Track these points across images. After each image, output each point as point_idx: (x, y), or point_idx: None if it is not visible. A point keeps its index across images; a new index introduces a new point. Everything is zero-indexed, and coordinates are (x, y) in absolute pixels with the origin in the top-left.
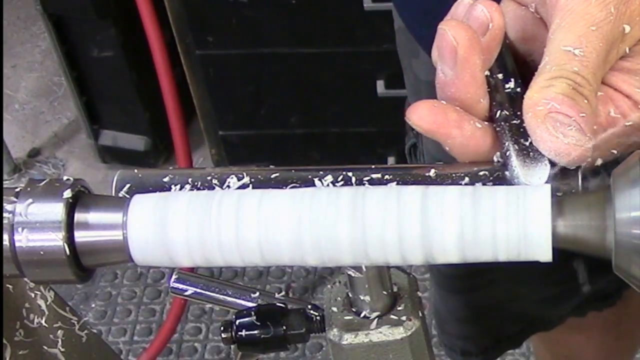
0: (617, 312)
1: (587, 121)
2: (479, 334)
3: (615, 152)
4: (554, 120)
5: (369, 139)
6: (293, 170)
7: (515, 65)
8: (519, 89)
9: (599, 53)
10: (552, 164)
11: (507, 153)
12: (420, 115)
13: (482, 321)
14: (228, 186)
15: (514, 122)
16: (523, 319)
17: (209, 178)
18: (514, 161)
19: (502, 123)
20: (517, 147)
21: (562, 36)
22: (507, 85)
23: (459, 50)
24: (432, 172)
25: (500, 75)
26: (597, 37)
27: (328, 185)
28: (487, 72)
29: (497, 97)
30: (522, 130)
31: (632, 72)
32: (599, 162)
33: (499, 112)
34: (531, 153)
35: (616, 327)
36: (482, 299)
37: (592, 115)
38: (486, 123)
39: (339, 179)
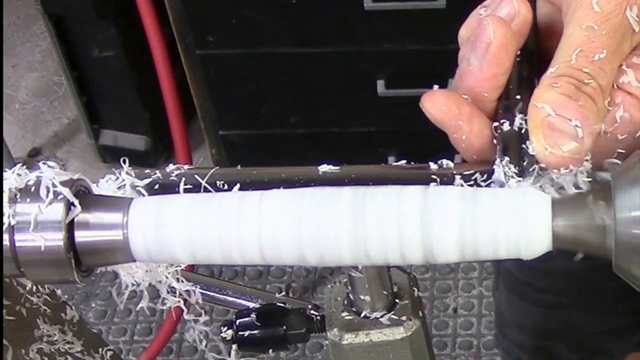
0: None
1: (589, 124)
2: (537, 349)
3: (622, 151)
4: (549, 126)
5: (369, 138)
6: (293, 170)
7: (539, 63)
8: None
9: (606, 47)
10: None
11: (497, 155)
12: (435, 103)
13: (544, 339)
14: (229, 186)
15: (517, 124)
16: (584, 349)
17: (209, 178)
18: (502, 164)
19: (502, 124)
20: (510, 149)
21: (571, 30)
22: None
23: (492, 46)
24: (431, 172)
25: (517, 78)
26: (605, 30)
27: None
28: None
29: (507, 98)
30: (522, 133)
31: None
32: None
33: (503, 112)
34: (525, 157)
35: None
36: (547, 319)
37: (596, 115)
38: (494, 123)
39: (339, 178)
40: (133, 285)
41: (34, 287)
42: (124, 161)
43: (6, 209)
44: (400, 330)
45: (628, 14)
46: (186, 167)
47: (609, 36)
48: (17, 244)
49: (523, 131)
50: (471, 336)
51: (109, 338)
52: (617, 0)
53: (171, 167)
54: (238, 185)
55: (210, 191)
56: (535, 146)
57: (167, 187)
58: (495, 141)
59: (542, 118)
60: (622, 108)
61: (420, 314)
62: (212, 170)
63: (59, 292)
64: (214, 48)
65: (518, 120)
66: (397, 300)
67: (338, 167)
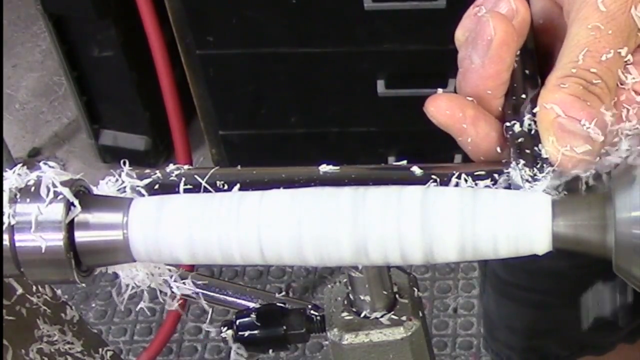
0: None
1: (599, 124)
2: (527, 349)
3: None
4: (561, 128)
5: (369, 138)
6: (293, 170)
7: (538, 58)
8: (536, 90)
9: (612, 46)
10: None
11: (512, 157)
12: (438, 108)
13: (534, 339)
14: (228, 186)
15: (526, 125)
16: (575, 344)
17: (209, 178)
18: (518, 167)
19: (513, 125)
20: (523, 152)
21: (576, 30)
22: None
23: (494, 43)
24: (432, 172)
25: (520, 75)
26: (611, 29)
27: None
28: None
29: (513, 95)
30: (533, 134)
31: None
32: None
33: (512, 112)
34: (538, 160)
35: None
36: (535, 319)
37: (605, 114)
38: (505, 124)
39: (339, 178)
40: (133, 288)
41: (34, 287)
42: (124, 163)
43: (6, 209)
44: (400, 330)
45: (633, 13)
46: (186, 167)
47: (615, 35)
48: (17, 244)
49: (533, 132)
50: (471, 336)
51: (109, 338)
52: None
53: (171, 167)
54: (238, 185)
55: (210, 191)
56: (548, 149)
57: (167, 187)
58: (506, 142)
59: (552, 120)
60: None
61: (420, 314)
62: (212, 170)
63: (59, 292)
64: (214, 48)
65: (527, 120)
66: (397, 300)
67: (338, 167)
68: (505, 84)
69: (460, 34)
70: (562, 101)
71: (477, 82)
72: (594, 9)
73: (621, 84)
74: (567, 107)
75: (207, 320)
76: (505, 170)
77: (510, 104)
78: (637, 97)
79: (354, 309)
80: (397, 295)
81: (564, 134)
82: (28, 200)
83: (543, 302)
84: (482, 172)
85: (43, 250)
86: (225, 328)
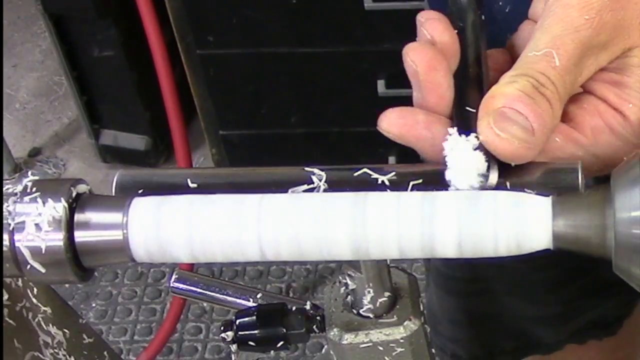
0: (616, 339)
1: (542, 123)
2: (471, 340)
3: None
4: (501, 114)
5: (369, 138)
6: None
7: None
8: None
9: (570, 57)
10: (491, 165)
11: (450, 152)
12: (390, 121)
13: (475, 328)
14: (228, 186)
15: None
16: (519, 337)
17: (208, 178)
18: (452, 160)
19: (452, 135)
20: (459, 145)
21: (538, 36)
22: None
23: (420, 74)
24: (386, 177)
25: (466, 81)
26: (572, 41)
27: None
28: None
29: (460, 100)
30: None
31: (621, 86)
32: None
33: (457, 120)
34: (470, 152)
35: (613, 354)
36: (477, 306)
37: (551, 117)
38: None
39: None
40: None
41: (34, 287)
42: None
43: (6, 209)
44: (400, 330)
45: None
46: (186, 167)
47: (576, 47)
48: (17, 244)
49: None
50: None
51: (109, 338)
52: (590, 14)
53: (171, 167)
54: (238, 186)
55: (210, 191)
56: (482, 129)
57: (167, 187)
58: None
59: (495, 107)
60: (601, 119)
61: (420, 314)
62: (212, 170)
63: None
64: (214, 48)
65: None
66: (397, 300)
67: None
68: (452, 99)
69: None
70: (510, 94)
71: (429, 115)
72: (559, 19)
73: (602, 98)
74: (513, 99)
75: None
76: (441, 166)
77: (457, 113)
78: (614, 113)
79: (354, 309)
80: (397, 295)
81: (503, 118)
82: (28, 200)
83: (484, 289)
84: (424, 172)
85: (43, 251)
86: (225, 328)
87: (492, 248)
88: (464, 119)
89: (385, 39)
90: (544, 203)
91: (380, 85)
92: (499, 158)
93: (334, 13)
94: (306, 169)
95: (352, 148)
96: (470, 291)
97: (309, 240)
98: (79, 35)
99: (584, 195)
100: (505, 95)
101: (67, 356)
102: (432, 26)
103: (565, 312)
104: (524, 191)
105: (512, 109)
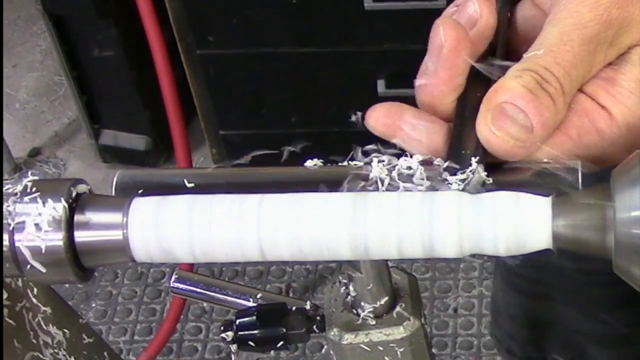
0: None
1: (542, 120)
2: (527, 340)
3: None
4: (501, 110)
5: (369, 138)
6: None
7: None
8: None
9: (577, 53)
10: (481, 161)
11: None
12: (377, 120)
13: (533, 330)
14: (228, 186)
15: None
16: (573, 350)
17: (209, 178)
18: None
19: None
20: (452, 151)
21: (548, 30)
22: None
23: (444, 49)
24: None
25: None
26: (579, 37)
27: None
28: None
29: (467, 95)
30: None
31: (613, 82)
32: None
33: (459, 114)
34: (463, 151)
35: None
36: (537, 308)
37: (553, 115)
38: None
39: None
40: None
41: (34, 287)
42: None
43: (6, 209)
44: (400, 330)
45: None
46: (186, 167)
47: (582, 43)
48: (17, 244)
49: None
50: (471, 336)
51: (109, 338)
52: (599, 10)
53: (171, 167)
54: (238, 186)
55: (210, 191)
56: (480, 125)
57: (167, 187)
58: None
59: (497, 102)
60: (588, 119)
61: (420, 314)
62: (212, 171)
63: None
64: (215, 48)
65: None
66: (397, 300)
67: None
68: (459, 87)
69: None
70: (513, 89)
71: (432, 89)
72: (568, 15)
73: (591, 96)
74: (515, 95)
75: (207, 320)
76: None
77: (461, 106)
78: (602, 112)
79: (354, 309)
80: (397, 295)
81: (502, 115)
82: (28, 200)
83: (546, 294)
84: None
85: (43, 251)
86: (225, 328)
87: (492, 248)
88: (462, 108)
89: (385, 39)
90: (544, 203)
91: (380, 85)
92: (494, 155)
93: (334, 13)
94: (306, 165)
95: (352, 148)
96: (533, 292)
97: (309, 240)
98: (79, 35)
99: (584, 195)
100: (508, 89)
101: (67, 356)
102: (485, 4)
103: (623, 335)
104: (524, 191)
105: (513, 104)
